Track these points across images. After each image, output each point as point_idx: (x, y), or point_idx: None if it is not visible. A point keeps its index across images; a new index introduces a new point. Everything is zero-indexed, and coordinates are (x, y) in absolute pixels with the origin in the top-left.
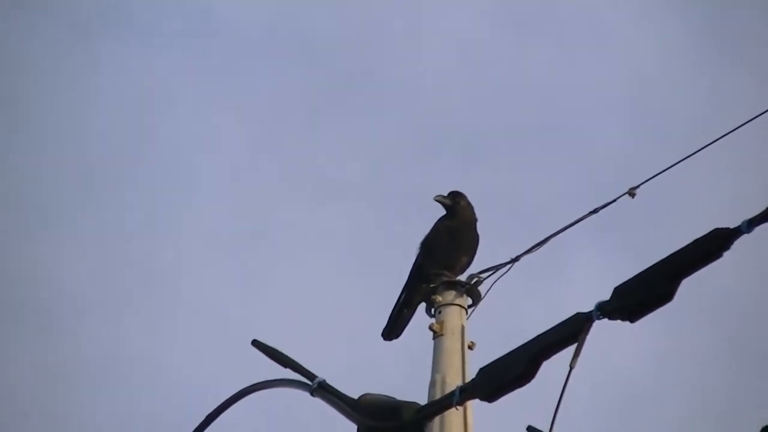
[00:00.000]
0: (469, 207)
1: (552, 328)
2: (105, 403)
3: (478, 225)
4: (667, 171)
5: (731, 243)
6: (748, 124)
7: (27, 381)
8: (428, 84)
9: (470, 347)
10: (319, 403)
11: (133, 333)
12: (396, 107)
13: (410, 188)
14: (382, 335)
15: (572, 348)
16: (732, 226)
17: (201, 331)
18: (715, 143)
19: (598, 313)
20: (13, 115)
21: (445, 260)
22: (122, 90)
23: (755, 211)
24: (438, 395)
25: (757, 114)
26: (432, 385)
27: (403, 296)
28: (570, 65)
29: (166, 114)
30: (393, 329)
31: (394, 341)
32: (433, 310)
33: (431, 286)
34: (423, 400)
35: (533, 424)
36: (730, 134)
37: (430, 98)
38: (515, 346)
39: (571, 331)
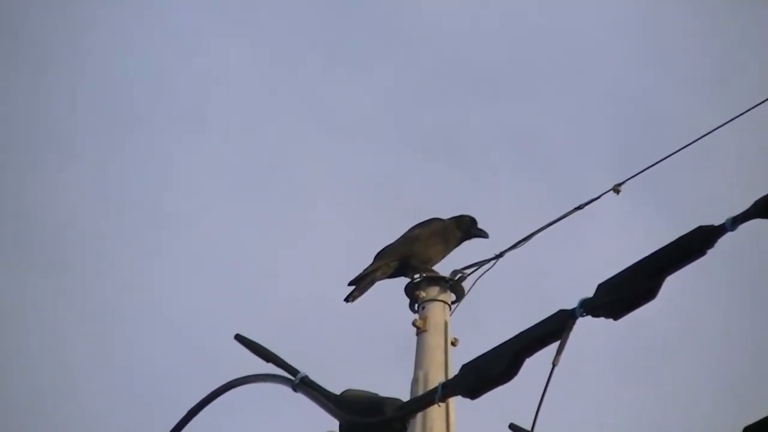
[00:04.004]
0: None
1: (535, 325)
2: (109, 344)
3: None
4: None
5: (715, 241)
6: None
7: (33, 316)
8: (443, 20)
9: (453, 343)
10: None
11: (146, 274)
12: (412, 45)
13: (426, 125)
14: (345, 299)
15: (555, 345)
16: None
17: (214, 273)
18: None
19: (582, 310)
20: (27, 51)
21: (432, 257)
22: (138, 28)
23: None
24: (420, 392)
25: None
26: (415, 381)
27: (379, 270)
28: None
29: (182, 51)
30: (353, 295)
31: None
32: (416, 305)
33: (414, 280)
34: (406, 397)
35: (516, 422)
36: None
37: (444, 35)
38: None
39: (554, 328)
